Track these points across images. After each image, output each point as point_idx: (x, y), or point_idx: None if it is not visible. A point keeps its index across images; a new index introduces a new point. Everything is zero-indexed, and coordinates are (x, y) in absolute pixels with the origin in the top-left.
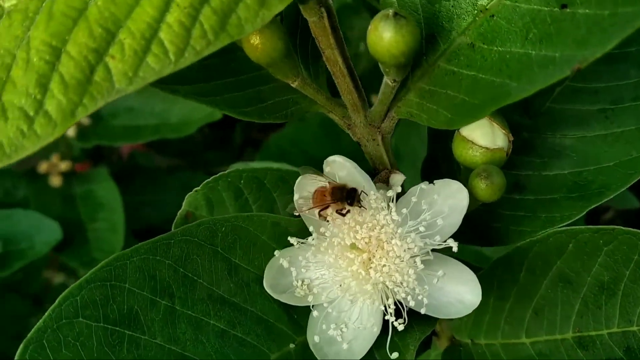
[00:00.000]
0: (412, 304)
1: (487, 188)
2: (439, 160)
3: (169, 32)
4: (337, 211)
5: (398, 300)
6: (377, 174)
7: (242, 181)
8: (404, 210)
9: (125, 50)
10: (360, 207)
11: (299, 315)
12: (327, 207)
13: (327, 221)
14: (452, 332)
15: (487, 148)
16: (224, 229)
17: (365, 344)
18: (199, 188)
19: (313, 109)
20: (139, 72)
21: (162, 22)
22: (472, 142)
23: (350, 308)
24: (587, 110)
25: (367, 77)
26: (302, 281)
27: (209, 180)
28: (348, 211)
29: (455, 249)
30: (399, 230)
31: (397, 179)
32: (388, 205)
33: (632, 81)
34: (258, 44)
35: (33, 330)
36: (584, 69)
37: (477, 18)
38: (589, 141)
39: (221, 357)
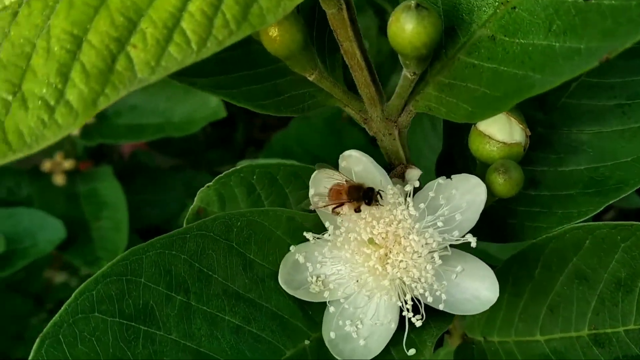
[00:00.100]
0: (430, 300)
1: (505, 183)
2: (454, 156)
3: (191, 21)
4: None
5: (415, 297)
6: (393, 169)
7: (254, 177)
8: (422, 205)
9: (147, 39)
10: (377, 205)
11: (313, 312)
12: (342, 205)
13: (343, 216)
14: (464, 329)
15: (504, 143)
16: (239, 223)
17: (381, 341)
18: (211, 184)
19: (329, 102)
20: (161, 61)
21: (184, 10)
22: (490, 137)
23: (366, 304)
24: (604, 106)
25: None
26: (317, 277)
27: (220, 175)
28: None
29: (474, 244)
30: (417, 226)
31: (414, 173)
32: (405, 200)
33: None
34: (277, 36)
35: (49, 324)
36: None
37: (498, 10)
38: (606, 136)
39: (236, 353)
